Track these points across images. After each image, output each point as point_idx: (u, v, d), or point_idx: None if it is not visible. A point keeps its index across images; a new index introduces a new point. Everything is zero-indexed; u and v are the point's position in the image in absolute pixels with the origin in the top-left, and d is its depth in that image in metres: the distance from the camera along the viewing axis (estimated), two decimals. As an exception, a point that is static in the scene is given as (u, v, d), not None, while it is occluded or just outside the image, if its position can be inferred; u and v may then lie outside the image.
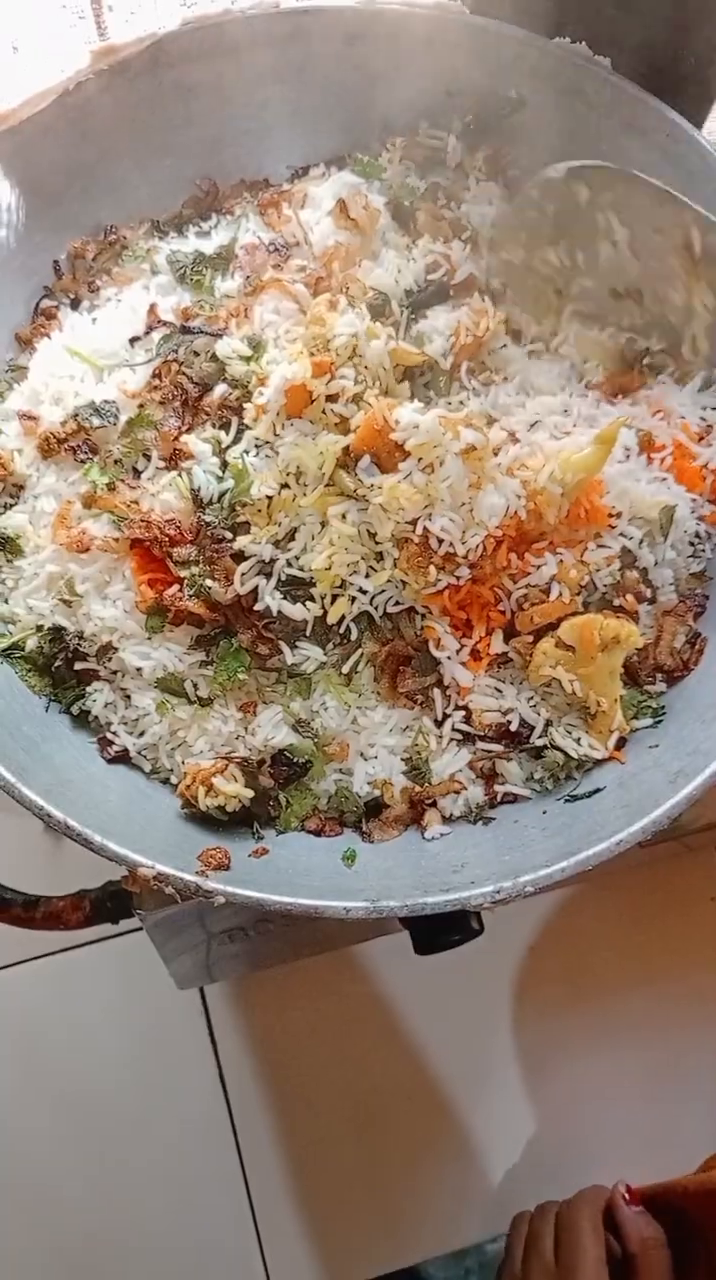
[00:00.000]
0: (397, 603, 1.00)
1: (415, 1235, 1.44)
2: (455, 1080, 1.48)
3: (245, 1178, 1.43)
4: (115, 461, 1.04)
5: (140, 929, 1.07)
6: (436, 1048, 1.48)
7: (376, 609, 1.00)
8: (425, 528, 0.94)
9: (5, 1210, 1.41)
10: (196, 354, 1.06)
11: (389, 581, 0.98)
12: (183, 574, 0.99)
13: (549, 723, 1.02)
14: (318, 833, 1.01)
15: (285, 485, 0.98)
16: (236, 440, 1.00)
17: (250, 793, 0.96)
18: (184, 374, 1.05)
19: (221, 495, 0.99)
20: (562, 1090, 1.50)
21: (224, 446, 1.00)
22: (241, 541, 0.97)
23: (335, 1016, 1.48)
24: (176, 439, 1.02)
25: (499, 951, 1.50)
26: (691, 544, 1.07)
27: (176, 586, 0.99)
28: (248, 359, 1.02)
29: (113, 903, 1.00)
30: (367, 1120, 1.45)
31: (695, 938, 1.54)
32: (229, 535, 0.98)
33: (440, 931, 0.97)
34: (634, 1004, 1.52)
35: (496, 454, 0.97)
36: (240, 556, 0.98)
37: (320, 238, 1.11)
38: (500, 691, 1.01)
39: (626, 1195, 1.19)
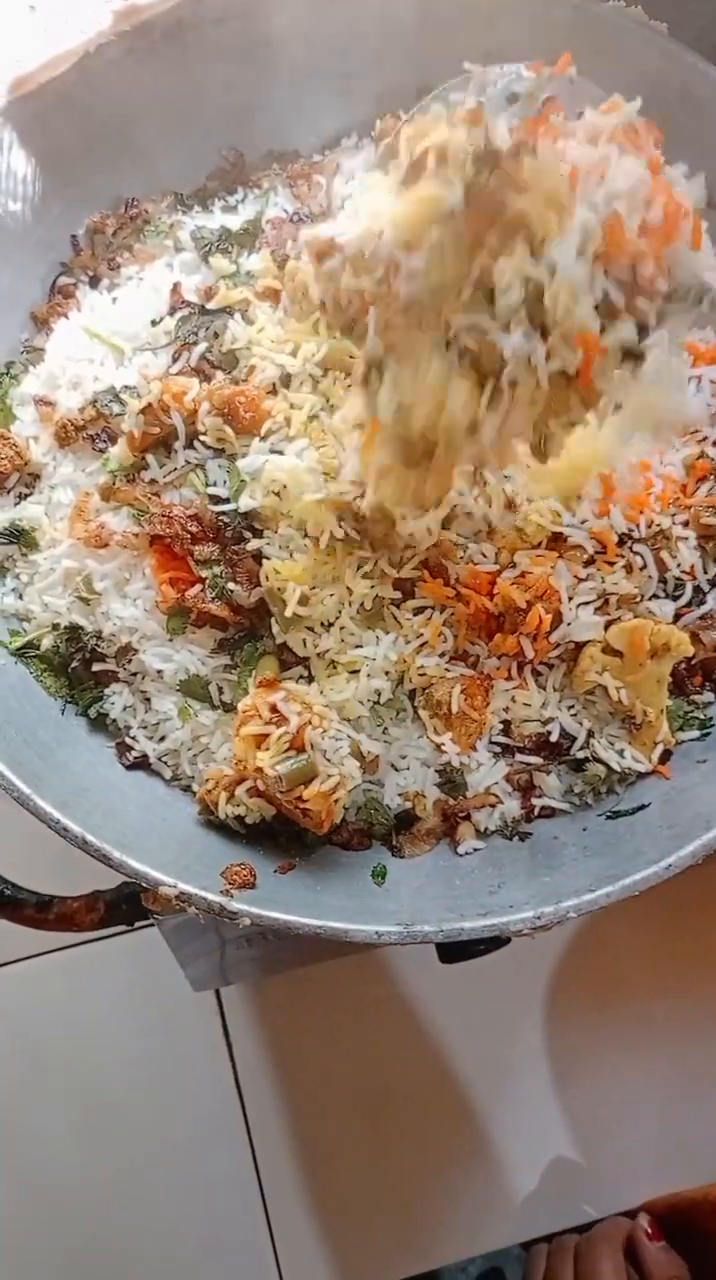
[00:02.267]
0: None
1: (431, 1241, 1.41)
2: (475, 1085, 1.45)
3: (259, 1181, 1.40)
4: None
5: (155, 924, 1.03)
6: (456, 1052, 1.45)
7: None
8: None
9: (17, 1206, 1.39)
10: (217, 336, 1.00)
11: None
12: (204, 574, 0.94)
13: (591, 734, 0.97)
14: (346, 845, 0.97)
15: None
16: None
17: (272, 809, 0.91)
18: (205, 358, 0.99)
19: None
20: (587, 1097, 1.46)
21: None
22: (256, 544, 0.93)
23: (353, 1019, 1.45)
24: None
25: (523, 957, 1.46)
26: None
27: (198, 586, 0.94)
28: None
29: (127, 905, 0.96)
30: (385, 1125, 1.43)
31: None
32: (247, 534, 0.94)
33: (466, 941, 0.93)
34: (661, 1011, 1.48)
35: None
36: (260, 557, 0.93)
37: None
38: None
39: (649, 1231, 1.16)
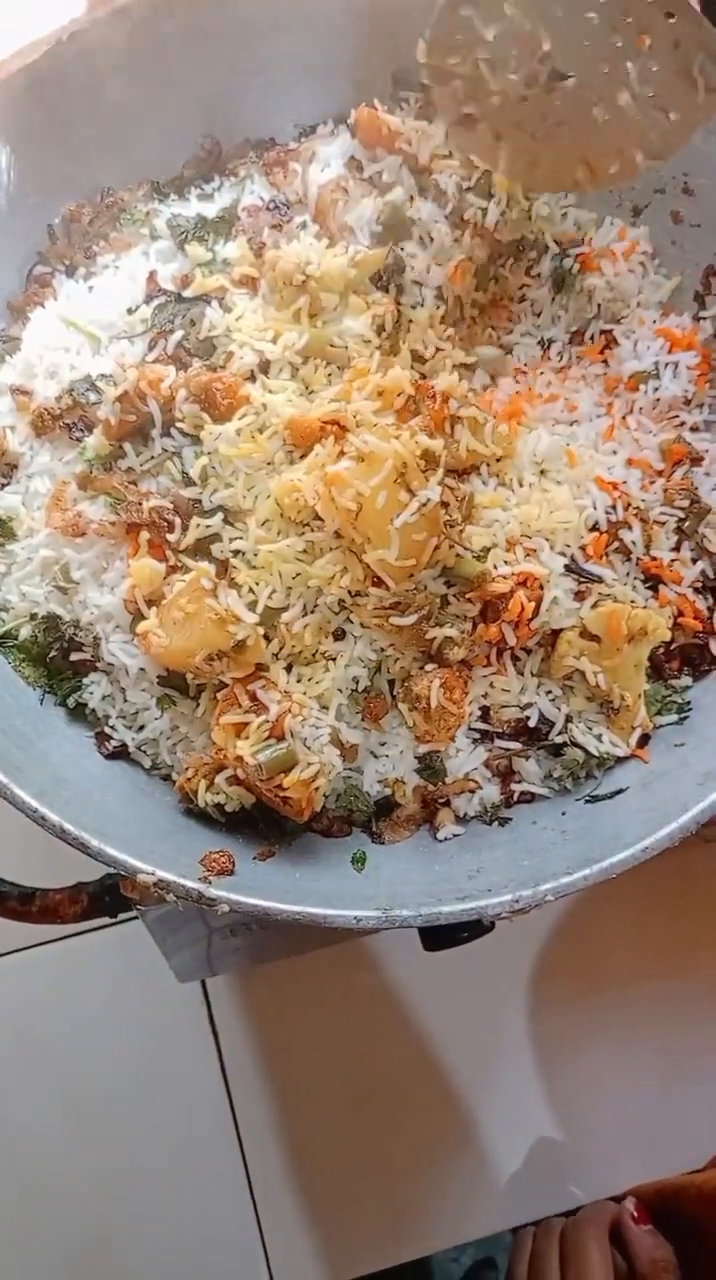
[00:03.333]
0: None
1: (420, 1229, 1.41)
2: (462, 1072, 1.45)
3: (247, 1170, 1.40)
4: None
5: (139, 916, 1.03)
6: (443, 1040, 1.45)
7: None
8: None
9: (3, 1202, 1.38)
10: (193, 323, 1.00)
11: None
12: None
13: (569, 718, 0.97)
14: (326, 832, 0.97)
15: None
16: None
17: (252, 797, 0.91)
18: (182, 346, 0.99)
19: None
20: (573, 1082, 1.47)
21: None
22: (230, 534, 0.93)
23: (340, 1008, 1.45)
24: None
25: (508, 943, 1.46)
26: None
27: (177, 574, 0.94)
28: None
29: (111, 896, 0.96)
30: (372, 1113, 1.43)
31: (709, 929, 1.50)
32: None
33: (449, 928, 0.93)
34: (646, 996, 1.48)
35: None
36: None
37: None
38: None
39: (635, 1214, 1.16)
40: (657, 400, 1.05)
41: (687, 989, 1.48)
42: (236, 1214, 1.39)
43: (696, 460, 1.04)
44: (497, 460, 0.97)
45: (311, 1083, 1.44)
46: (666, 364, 1.04)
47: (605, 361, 1.09)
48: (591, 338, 1.10)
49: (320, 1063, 1.45)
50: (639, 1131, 1.46)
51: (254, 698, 0.89)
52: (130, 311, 1.02)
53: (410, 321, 1.03)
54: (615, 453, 1.03)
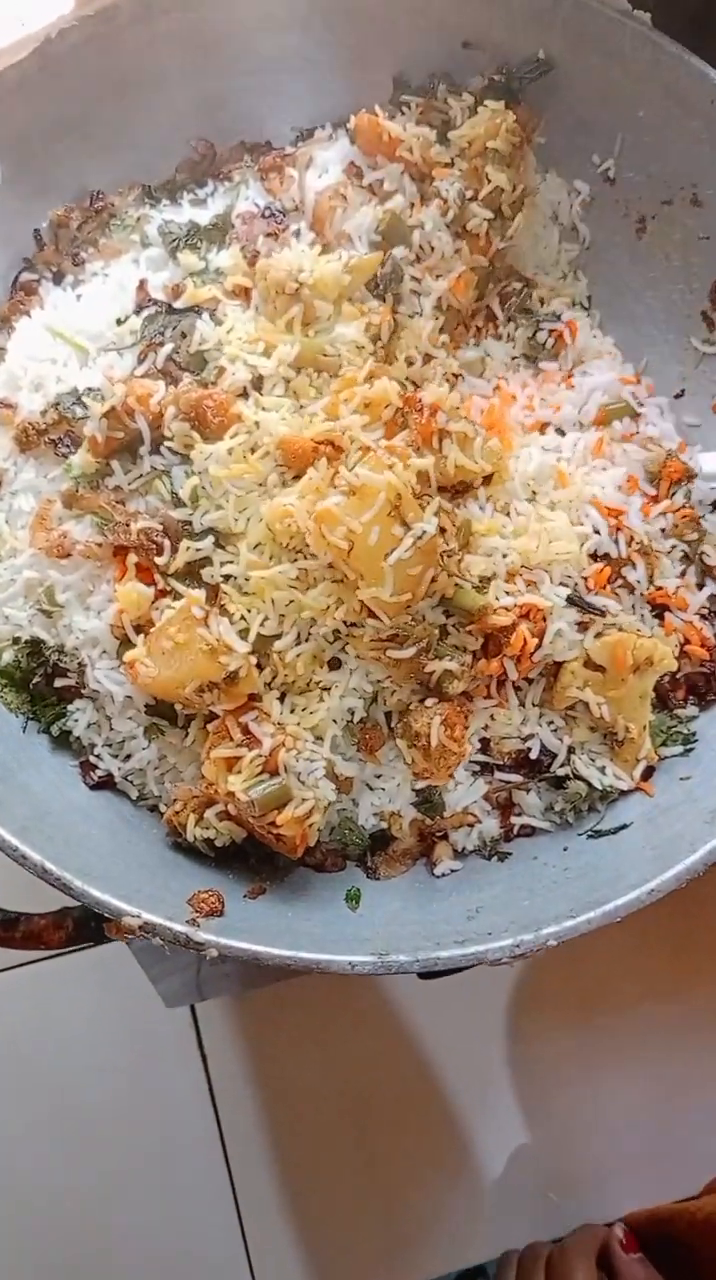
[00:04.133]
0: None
1: (412, 1256, 1.39)
2: (455, 1098, 1.43)
3: (236, 1199, 1.37)
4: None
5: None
6: (436, 1064, 1.43)
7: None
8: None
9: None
10: (184, 336, 0.96)
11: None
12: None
13: (571, 750, 0.94)
14: (319, 867, 0.93)
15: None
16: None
17: (242, 832, 0.88)
18: (172, 359, 0.95)
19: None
20: (567, 1107, 1.45)
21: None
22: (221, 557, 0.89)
23: (332, 1032, 1.43)
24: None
25: (504, 968, 1.43)
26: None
27: (166, 599, 0.90)
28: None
29: (96, 922, 0.92)
30: (364, 1139, 1.40)
31: (704, 951, 1.48)
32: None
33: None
34: (640, 1019, 1.46)
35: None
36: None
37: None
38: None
39: (623, 1241, 1.14)
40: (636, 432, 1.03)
41: (684, 1014, 1.46)
42: (224, 1242, 1.36)
43: (691, 477, 1.02)
44: (488, 481, 0.94)
45: (302, 1108, 1.41)
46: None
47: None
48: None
49: (312, 1087, 1.42)
50: (634, 1157, 1.44)
51: (246, 730, 0.86)
52: (119, 322, 0.99)
53: (405, 330, 1.00)
54: (605, 469, 1.00)
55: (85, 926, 0.93)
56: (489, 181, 1.01)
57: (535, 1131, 1.43)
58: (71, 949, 1.39)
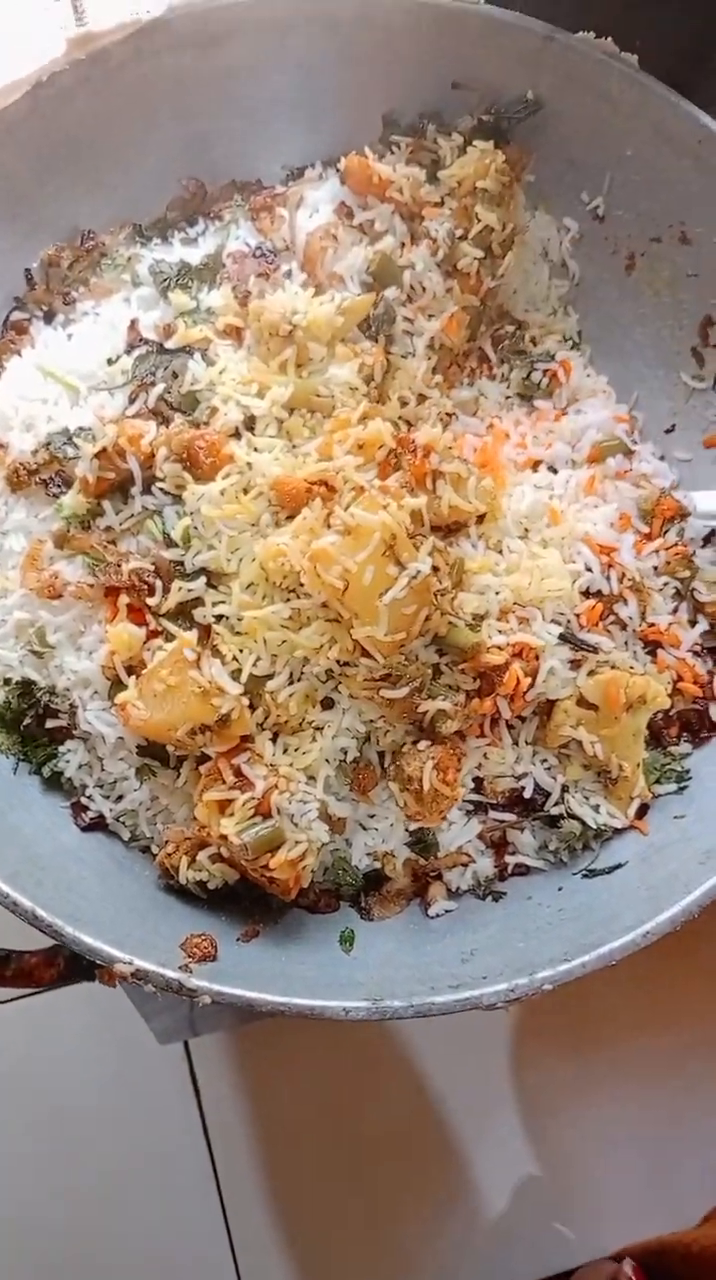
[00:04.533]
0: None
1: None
2: (453, 1130, 1.42)
3: (229, 1235, 1.36)
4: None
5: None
6: (434, 1096, 1.42)
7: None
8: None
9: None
10: (175, 376, 0.96)
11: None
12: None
13: (565, 788, 0.93)
14: (312, 908, 0.93)
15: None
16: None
17: (235, 875, 0.87)
18: (164, 400, 0.95)
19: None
20: (566, 1139, 1.44)
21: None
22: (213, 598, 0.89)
23: (326, 1066, 1.42)
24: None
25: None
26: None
27: (158, 640, 0.90)
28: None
29: (88, 959, 0.91)
30: (361, 1173, 1.39)
31: (702, 982, 1.47)
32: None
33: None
34: (640, 1053, 1.46)
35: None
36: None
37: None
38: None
39: (631, 1276, 1.13)
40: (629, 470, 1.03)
41: (682, 1047, 1.45)
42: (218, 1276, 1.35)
43: (684, 515, 1.02)
44: (481, 519, 0.94)
45: (298, 1141, 1.40)
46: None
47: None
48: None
49: (306, 1121, 1.41)
50: (632, 1189, 1.43)
51: (238, 773, 0.85)
52: (110, 362, 0.99)
53: (398, 370, 1.00)
54: (597, 507, 1.00)
55: (77, 964, 0.92)
56: (479, 221, 1.02)
57: (533, 1164, 1.43)
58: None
